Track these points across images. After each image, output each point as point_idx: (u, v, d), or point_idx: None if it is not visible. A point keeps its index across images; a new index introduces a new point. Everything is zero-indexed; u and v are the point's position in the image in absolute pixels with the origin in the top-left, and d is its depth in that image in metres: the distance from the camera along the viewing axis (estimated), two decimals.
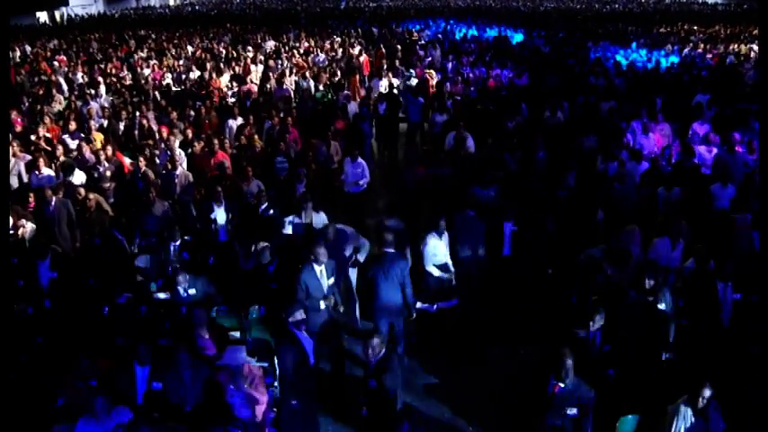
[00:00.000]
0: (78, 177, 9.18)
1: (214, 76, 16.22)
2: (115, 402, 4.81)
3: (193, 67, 17.56)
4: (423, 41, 23.63)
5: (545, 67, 17.23)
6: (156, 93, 14.77)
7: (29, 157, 9.80)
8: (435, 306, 7.18)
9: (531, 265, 7.20)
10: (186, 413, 5.02)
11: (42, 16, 35.68)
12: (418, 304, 7.09)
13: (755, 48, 19.65)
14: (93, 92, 14.60)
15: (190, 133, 10.81)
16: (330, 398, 6.16)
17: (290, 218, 8.31)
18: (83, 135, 11.00)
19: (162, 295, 6.64)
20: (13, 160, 9.52)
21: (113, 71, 17.49)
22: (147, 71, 17.52)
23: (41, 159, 9.29)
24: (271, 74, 16.23)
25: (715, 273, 6.17)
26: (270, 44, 22.52)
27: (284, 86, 14.91)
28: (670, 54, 20.25)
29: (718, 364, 5.66)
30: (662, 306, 5.94)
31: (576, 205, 7.87)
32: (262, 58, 19.40)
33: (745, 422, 5.16)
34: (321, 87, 15.14)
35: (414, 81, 16.27)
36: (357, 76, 17.69)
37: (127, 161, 10.11)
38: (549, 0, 43.03)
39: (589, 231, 7.32)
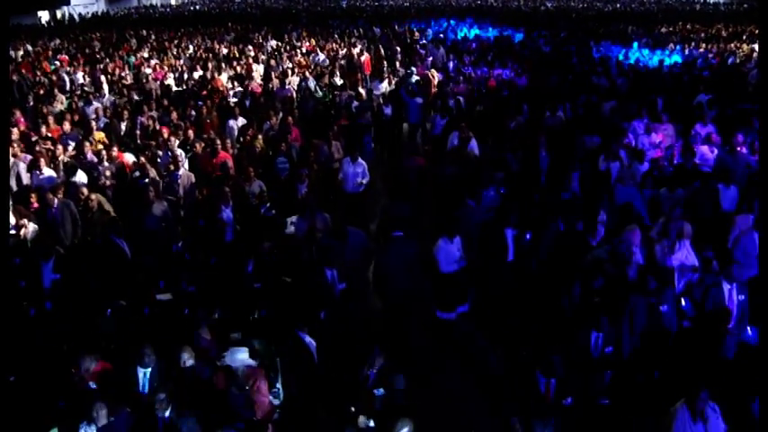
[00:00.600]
0: (80, 178, 9.17)
1: (216, 75, 16.21)
2: (116, 405, 4.80)
3: (198, 67, 17.54)
4: (424, 41, 23.60)
5: (546, 67, 17.21)
6: (158, 92, 14.77)
7: (29, 158, 9.80)
8: (455, 313, 7.18)
9: (536, 266, 7.19)
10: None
11: (44, 16, 35.65)
12: (438, 313, 7.12)
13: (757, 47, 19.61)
14: (95, 92, 14.61)
15: (191, 134, 10.79)
16: (333, 399, 6.15)
17: (292, 218, 8.34)
18: (81, 136, 10.97)
19: (164, 297, 6.64)
20: (12, 160, 9.51)
21: (115, 71, 17.49)
22: (148, 71, 17.52)
23: (43, 159, 9.28)
24: (272, 73, 16.23)
25: (721, 274, 6.15)
26: (271, 43, 22.51)
27: (286, 86, 14.91)
28: (672, 53, 20.21)
29: (722, 365, 5.65)
30: (664, 308, 5.94)
31: (579, 206, 7.86)
32: (263, 57, 19.40)
33: (746, 424, 5.16)
34: (323, 87, 15.13)
35: (414, 78, 16.25)
36: (359, 76, 17.67)
37: (129, 159, 10.10)
38: None
39: (592, 233, 7.29)
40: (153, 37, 25.25)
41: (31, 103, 13.35)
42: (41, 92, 15.01)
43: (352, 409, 5.13)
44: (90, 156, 9.84)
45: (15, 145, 9.94)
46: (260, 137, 10.85)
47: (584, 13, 35.32)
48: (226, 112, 12.51)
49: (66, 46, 23.22)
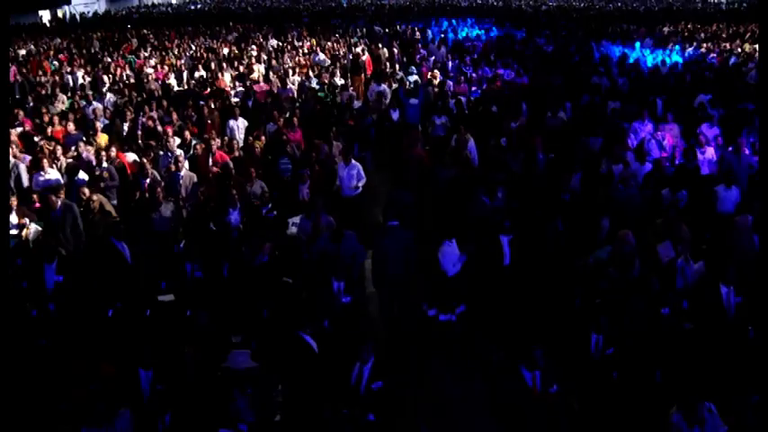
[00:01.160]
0: (81, 177, 9.16)
1: (219, 75, 16.21)
2: (119, 407, 4.81)
3: (199, 67, 17.54)
4: (425, 40, 23.59)
5: (548, 67, 17.19)
6: (159, 92, 14.77)
7: (29, 158, 9.80)
8: (455, 315, 7.21)
9: (534, 268, 7.20)
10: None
11: (45, 15, 35.67)
12: (440, 316, 7.15)
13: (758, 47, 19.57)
14: (96, 92, 14.62)
15: (188, 135, 10.78)
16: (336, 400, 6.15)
17: (294, 219, 8.34)
18: (83, 136, 10.98)
19: (166, 298, 6.65)
20: (12, 161, 9.51)
21: (117, 71, 17.49)
22: (149, 70, 17.52)
23: (45, 160, 9.28)
24: (271, 73, 16.22)
25: (719, 276, 6.15)
26: (272, 43, 22.51)
27: (287, 86, 14.90)
28: (673, 53, 20.18)
29: (721, 367, 5.65)
30: (665, 310, 5.95)
31: (580, 208, 7.86)
32: (265, 57, 19.40)
33: (747, 425, 5.17)
34: (324, 87, 15.13)
35: (413, 77, 16.24)
36: (362, 76, 17.66)
37: (130, 159, 10.11)
38: None
39: (594, 234, 7.30)
40: (153, 36, 25.26)
41: (32, 104, 13.36)
42: (43, 92, 15.03)
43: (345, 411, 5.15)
44: (91, 156, 9.84)
45: (14, 146, 9.94)
46: (262, 137, 10.85)
47: (585, 12, 35.29)
48: (227, 112, 12.51)
49: (68, 45, 23.23)
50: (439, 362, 6.98)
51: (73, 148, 10.51)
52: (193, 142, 10.64)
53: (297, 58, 18.95)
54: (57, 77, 16.89)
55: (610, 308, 5.93)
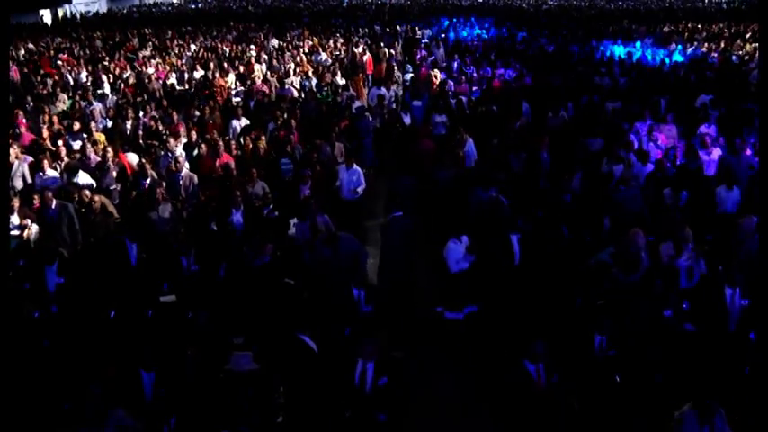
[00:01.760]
0: (82, 179, 9.16)
1: (218, 75, 16.20)
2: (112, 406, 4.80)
3: (198, 67, 17.54)
4: (425, 40, 23.58)
5: (549, 67, 17.17)
6: (161, 93, 14.76)
7: (30, 159, 9.80)
8: (463, 314, 7.20)
9: (541, 268, 7.19)
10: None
11: (46, 14, 35.65)
12: (446, 314, 7.16)
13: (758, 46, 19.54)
14: (97, 91, 14.61)
15: (194, 135, 10.78)
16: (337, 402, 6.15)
17: (295, 219, 8.33)
18: (85, 136, 10.98)
19: (168, 299, 6.64)
20: (16, 162, 9.50)
21: (117, 71, 17.49)
22: (150, 70, 17.51)
23: (45, 160, 9.28)
24: (270, 73, 16.21)
25: (724, 278, 6.14)
26: (273, 42, 22.50)
27: (288, 86, 14.88)
28: (674, 53, 20.16)
29: (725, 369, 5.64)
30: (668, 312, 5.94)
31: (581, 209, 7.85)
32: (266, 57, 19.38)
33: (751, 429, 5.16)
34: (324, 87, 15.11)
35: (408, 75, 16.21)
36: (361, 76, 17.66)
37: (132, 160, 10.10)
38: None
39: (595, 236, 7.29)
40: (154, 36, 25.24)
41: (32, 104, 13.34)
42: (44, 92, 15.02)
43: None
44: (93, 157, 9.84)
45: (16, 146, 9.92)
46: (263, 138, 10.84)
47: (586, 11, 35.26)
48: (229, 112, 12.50)
49: (69, 45, 23.21)
50: (438, 358, 6.99)
51: (75, 147, 10.51)
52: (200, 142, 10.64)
53: (297, 58, 18.93)
54: (57, 77, 16.89)
55: (612, 309, 5.92)
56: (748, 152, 9.40)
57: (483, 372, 6.69)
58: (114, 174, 9.44)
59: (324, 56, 19.69)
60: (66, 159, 9.83)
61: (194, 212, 8.55)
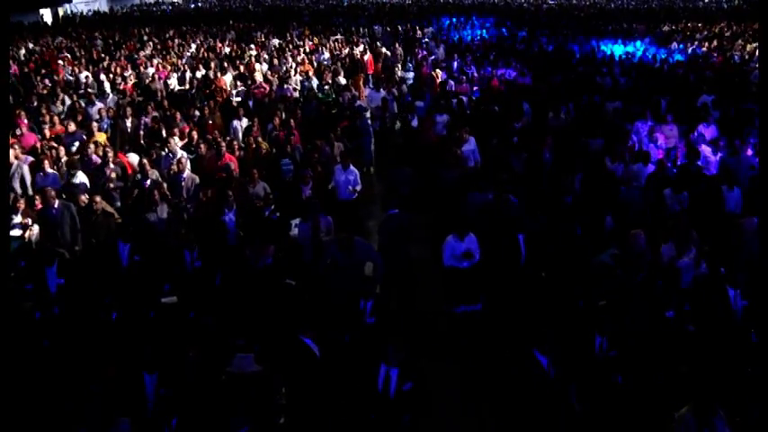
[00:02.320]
0: (80, 179, 9.17)
1: (219, 75, 16.20)
2: (119, 414, 4.80)
3: (200, 66, 17.55)
4: (426, 39, 23.58)
5: (549, 66, 17.17)
6: (163, 93, 14.76)
7: (30, 159, 9.80)
8: (460, 308, 7.23)
9: (549, 269, 7.21)
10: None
11: (46, 14, 35.64)
12: (454, 309, 7.23)
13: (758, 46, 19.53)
14: (98, 91, 14.62)
15: (195, 135, 10.78)
16: (340, 404, 6.15)
17: (296, 220, 8.33)
18: (85, 136, 10.98)
19: (169, 300, 6.65)
20: (15, 162, 9.51)
21: (118, 70, 17.51)
22: (150, 70, 17.52)
23: (46, 160, 9.28)
24: (270, 72, 16.21)
25: (726, 279, 6.14)
26: (274, 42, 22.50)
27: (289, 86, 14.88)
28: (674, 52, 20.16)
29: (727, 371, 5.65)
30: (670, 313, 5.94)
31: (583, 209, 7.85)
32: (266, 56, 19.38)
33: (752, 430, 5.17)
34: (325, 87, 15.11)
35: (410, 74, 16.18)
36: (362, 75, 17.66)
37: (133, 160, 10.11)
38: None
39: (597, 236, 7.29)
40: (154, 35, 25.23)
41: (35, 104, 13.35)
42: (44, 91, 15.03)
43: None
44: (93, 157, 9.84)
45: (17, 146, 9.93)
46: (259, 139, 10.83)
47: (587, 11, 35.25)
48: (229, 112, 12.49)
49: (69, 44, 23.21)
50: (439, 355, 6.99)
51: (75, 148, 10.52)
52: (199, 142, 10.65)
53: (298, 58, 18.93)
54: (57, 77, 16.89)
55: (613, 310, 5.92)
56: (749, 152, 9.40)
57: (485, 367, 6.72)
58: (115, 174, 9.43)
59: (326, 54, 19.68)
60: (65, 159, 9.84)
61: (195, 213, 8.55)
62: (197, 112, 12.36)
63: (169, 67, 17.91)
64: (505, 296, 7.17)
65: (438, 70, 16.20)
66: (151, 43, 22.67)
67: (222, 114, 12.51)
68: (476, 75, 16.38)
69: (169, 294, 6.80)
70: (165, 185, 8.82)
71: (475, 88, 15.14)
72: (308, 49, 20.74)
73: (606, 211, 7.63)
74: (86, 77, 16.55)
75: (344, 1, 43.09)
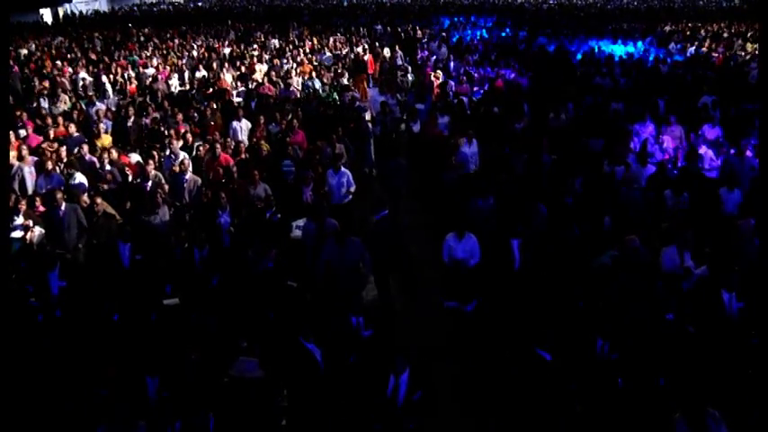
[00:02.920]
0: (79, 180, 9.17)
1: (221, 75, 16.20)
2: (136, 416, 4.81)
3: (201, 67, 17.55)
4: (425, 40, 23.58)
5: (550, 67, 17.17)
6: (165, 93, 14.76)
7: (35, 159, 9.80)
8: (452, 304, 7.28)
9: (548, 271, 7.21)
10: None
11: (46, 14, 35.61)
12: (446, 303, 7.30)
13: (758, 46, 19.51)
14: (98, 92, 14.63)
15: (189, 137, 10.77)
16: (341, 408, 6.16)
17: (297, 222, 8.34)
18: (84, 138, 10.98)
19: (171, 302, 6.66)
20: (16, 164, 9.50)
21: (118, 71, 17.51)
22: (151, 70, 17.52)
23: (49, 162, 9.29)
24: (273, 73, 16.21)
25: (722, 281, 6.16)
26: (274, 42, 22.49)
27: (290, 87, 14.88)
28: (675, 53, 20.15)
29: (724, 373, 5.66)
30: (670, 315, 5.96)
31: (583, 210, 7.86)
32: (267, 56, 19.38)
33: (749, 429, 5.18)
34: (326, 87, 15.11)
35: (410, 77, 16.21)
36: (364, 75, 17.66)
37: (133, 160, 10.11)
38: None
39: (597, 237, 7.30)
40: (155, 35, 25.22)
41: (35, 104, 13.36)
42: (45, 92, 15.03)
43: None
44: (88, 157, 9.83)
45: (25, 148, 9.92)
46: (262, 141, 10.85)
47: (587, 10, 35.24)
48: (230, 113, 12.49)
49: (69, 44, 23.21)
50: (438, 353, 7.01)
51: (75, 149, 10.52)
52: (196, 144, 10.66)
53: (299, 58, 18.93)
54: (57, 77, 16.89)
55: (614, 312, 5.93)
56: (749, 153, 9.40)
57: (485, 367, 6.73)
58: (111, 176, 9.43)
59: (328, 54, 19.68)
60: (65, 160, 9.85)
61: (195, 214, 8.57)
62: (196, 114, 12.36)
63: (169, 68, 17.92)
64: (498, 300, 7.16)
65: (439, 71, 16.20)
66: (151, 43, 22.66)
67: (222, 115, 12.51)
68: (476, 75, 16.37)
69: (171, 296, 6.82)
70: (166, 187, 8.82)
71: (475, 89, 15.14)
72: (307, 50, 20.75)
73: (605, 212, 7.64)
74: (83, 79, 16.55)
75: (344, 1, 43.05)
